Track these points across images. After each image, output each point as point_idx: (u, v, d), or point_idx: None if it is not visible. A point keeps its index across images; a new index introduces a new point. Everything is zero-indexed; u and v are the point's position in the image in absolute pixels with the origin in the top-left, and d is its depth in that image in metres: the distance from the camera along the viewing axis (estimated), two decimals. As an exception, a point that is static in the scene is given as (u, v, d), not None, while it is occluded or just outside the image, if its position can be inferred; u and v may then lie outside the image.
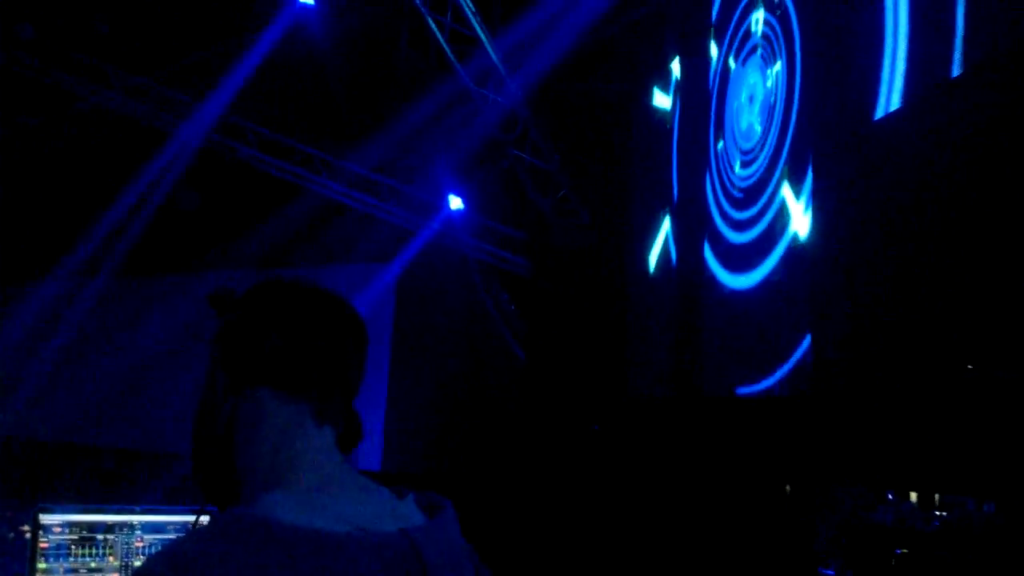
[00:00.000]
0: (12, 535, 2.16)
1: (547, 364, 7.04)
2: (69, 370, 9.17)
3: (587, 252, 6.89)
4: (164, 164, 6.82)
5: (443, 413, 7.28)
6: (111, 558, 2.33)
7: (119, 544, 2.35)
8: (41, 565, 2.23)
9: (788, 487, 5.33)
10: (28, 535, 2.30)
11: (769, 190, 5.01)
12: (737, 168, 5.47)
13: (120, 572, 2.32)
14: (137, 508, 2.40)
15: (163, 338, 8.53)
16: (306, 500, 0.99)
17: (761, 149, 5.14)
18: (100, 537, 2.34)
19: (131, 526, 2.38)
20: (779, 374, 4.80)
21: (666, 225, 6.20)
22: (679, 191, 6.16)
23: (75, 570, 2.28)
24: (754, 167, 5.21)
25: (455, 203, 6.79)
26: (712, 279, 5.62)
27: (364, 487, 1.08)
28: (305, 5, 6.17)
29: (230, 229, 7.16)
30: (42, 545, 2.25)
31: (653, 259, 6.34)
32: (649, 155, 6.62)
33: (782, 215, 4.82)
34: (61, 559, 2.27)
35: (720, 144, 5.71)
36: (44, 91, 6.88)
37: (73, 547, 2.30)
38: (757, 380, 5.03)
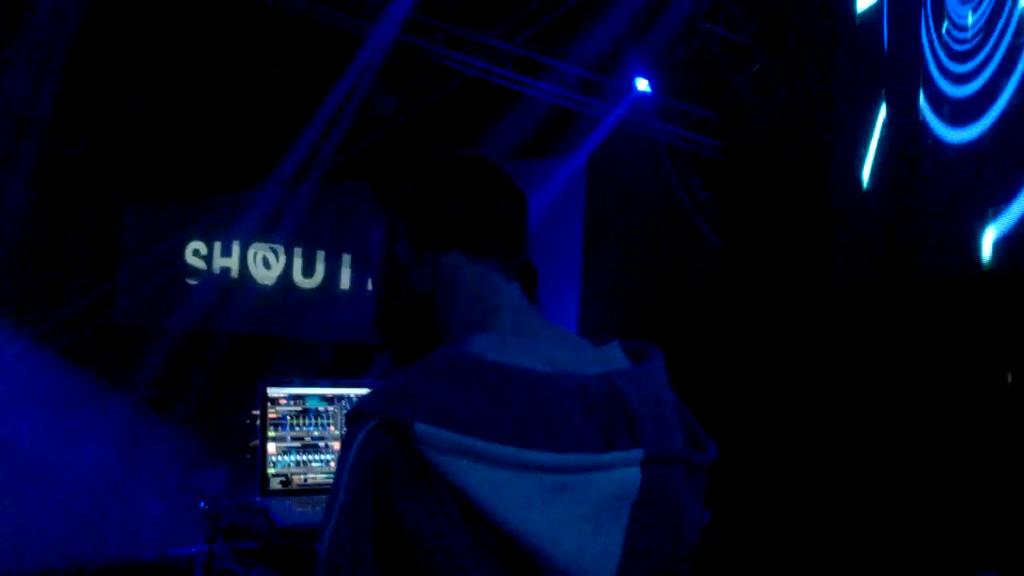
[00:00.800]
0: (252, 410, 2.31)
1: (745, 251, 6.79)
2: (286, 273, 9.85)
3: (786, 131, 6.49)
4: (359, 69, 6.99)
5: (636, 304, 7.22)
6: (331, 427, 2.47)
7: (338, 415, 2.49)
8: (271, 433, 2.40)
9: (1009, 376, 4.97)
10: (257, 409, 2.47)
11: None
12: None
13: (339, 441, 2.46)
14: (352, 382, 2.53)
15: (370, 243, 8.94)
16: (509, 343, 0.99)
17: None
18: (320, 409, 2.49)
19: (348, 398, 2.51)
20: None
21: (878, 97, 5.75)
22: (889, 47, 5.72)
23: (300, 438, 2.44)
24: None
25: (642, 85, 6.55)
26: (932, 138, 5.28)
27: (563, 334, 1.08)
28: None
29: (425, 131, 7.29)
30: (271, 416, 2.42)
31: (862, 135, 5.90)
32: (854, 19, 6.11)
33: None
34: (287, 428, 2.43)
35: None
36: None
37: (297, 418, 2.45)
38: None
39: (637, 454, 0.93)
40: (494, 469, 0.86)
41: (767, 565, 5.04)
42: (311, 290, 9.68)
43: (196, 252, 11.00)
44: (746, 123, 6.61)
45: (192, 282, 10.86)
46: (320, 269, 9.68)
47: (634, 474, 0.92)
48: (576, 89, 6.64)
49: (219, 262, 10.82)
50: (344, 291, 9.39)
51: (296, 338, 8.95)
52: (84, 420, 7.36)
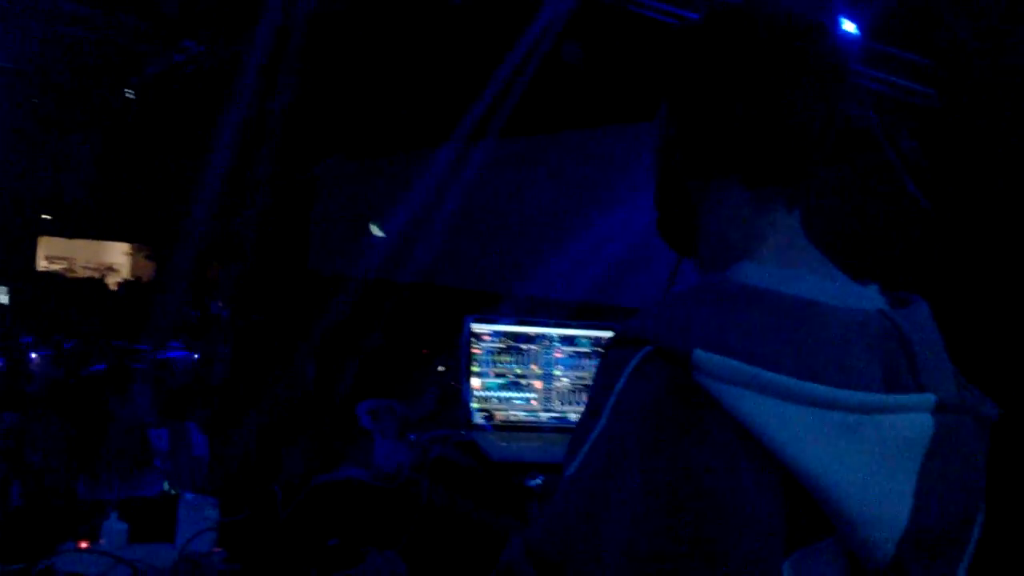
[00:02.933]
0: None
1: (960, 211, 6.29)
2: (469, 228, 10.03)
3: (1017, 78, 5.91)
4: (547, 18, 6.94)
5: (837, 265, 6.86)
6: (534, 366, 2.47)
7: (541, 354, 2.48)
8: (475, 368, 2.42)
9: None
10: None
11: None
12: None
13: (541, 380, 2.46)
14: (553, 322, 2.51)
15: (554, 196, 8.97)
16: (777, 273, 0.91)
17: None
18: (523, 347, 2.49)
19: (551, 338, 2.49)
20: None
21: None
22: None
23: (502, 374, 2.44)
24: None
25: (847, 27, 6.13)
26: None
27: (832, 269, 0.99)
28: None
29: (615, 81, 7.17)
30: (474, 351, 2.44)
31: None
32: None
33: None
34: (490, 364, 2.45)
35: None
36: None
37: (500, 354, 2.46)
38: None
39: (928, 399, 0.86)
40: (780, 402, 0.80)
41: None
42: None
43: (386, 207, 11.44)
44: (966, 69, 6.07)
45: (379, 234, 11.32)
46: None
47: (926, 420, 0.85)
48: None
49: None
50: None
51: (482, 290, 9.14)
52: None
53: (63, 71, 11.42)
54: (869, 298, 0.95)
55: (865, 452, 0.82)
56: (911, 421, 0.84)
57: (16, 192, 12.43)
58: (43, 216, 13.88)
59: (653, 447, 0.81)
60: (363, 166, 11.02)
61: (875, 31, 6.34)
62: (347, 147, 11.23)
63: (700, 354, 0.81)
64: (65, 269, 14.70)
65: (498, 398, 2.42)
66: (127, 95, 11.58)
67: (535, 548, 0.86)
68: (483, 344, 2.45)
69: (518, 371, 2.46)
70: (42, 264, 14.44)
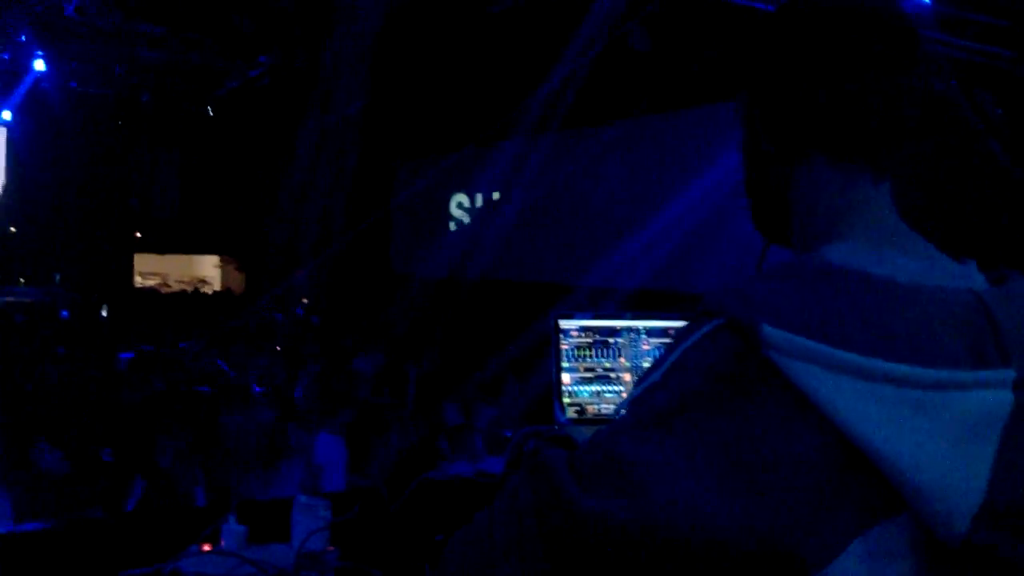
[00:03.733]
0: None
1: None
2: (536, 220, 10.07)
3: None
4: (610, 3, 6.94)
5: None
6: (622, 359, 2.50)
7: (628, 347, 2.51)
8: (564, 364, 2.47)
9: None
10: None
11: None
12: None
13: (630, 372, 2.49)
14: (639, 314, 2.54)
15: (626, 183, 8.95)
16: (869, 252, 0.93)
17: None
18: (611, 340, 2.53)
19: (637, 331, 2.52)
20: None
21: None
22: None
23: (592, 368, 2.49)
24: None
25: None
26: None
27: (923, 246, 0.98)
28: None
29: (682, 66, 7.12)
30: (563, 347, 2.49)
31: None
32: None
33: None
34: (579, 360, 2.49)
35: None
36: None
37: (588, 349, 2.51)
38: None
39: (1008, 374, 0.85)
40: (848, 378, 0.82)
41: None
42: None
43: (460, 204, 11.59)
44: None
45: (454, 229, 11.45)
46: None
47: (1005, 396, 0.84)
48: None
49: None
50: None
51: (572, 284, 9.16)
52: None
53: (145, 93, 11.88)
54: (962, 276, 0.95)
55: (938, 428, 0.83)
56: (990, 397, 0.84)
57: (110, 212, 12.97)
58: (136, 234, 14.45)
59: (705, 405, 0.85)
60: (438, 166, 11.17)
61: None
62: (422, 148, 11.38)
63: (769, 329, 0.83)
64: (160, 284, 15.27)
65: (589, 392, 2.47)
66: (207, 112, 11.97)
67: (576, 461, 0.88)
68: (571, 340, 2.50)
69: (607, 365, 2.50)
70: (137, 280, 15.03)
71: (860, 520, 0.83)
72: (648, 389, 0.89)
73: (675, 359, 0.89)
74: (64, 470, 4.53)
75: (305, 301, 11.76)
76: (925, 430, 0.82)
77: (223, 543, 2.16)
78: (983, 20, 6.18)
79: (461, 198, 11.51)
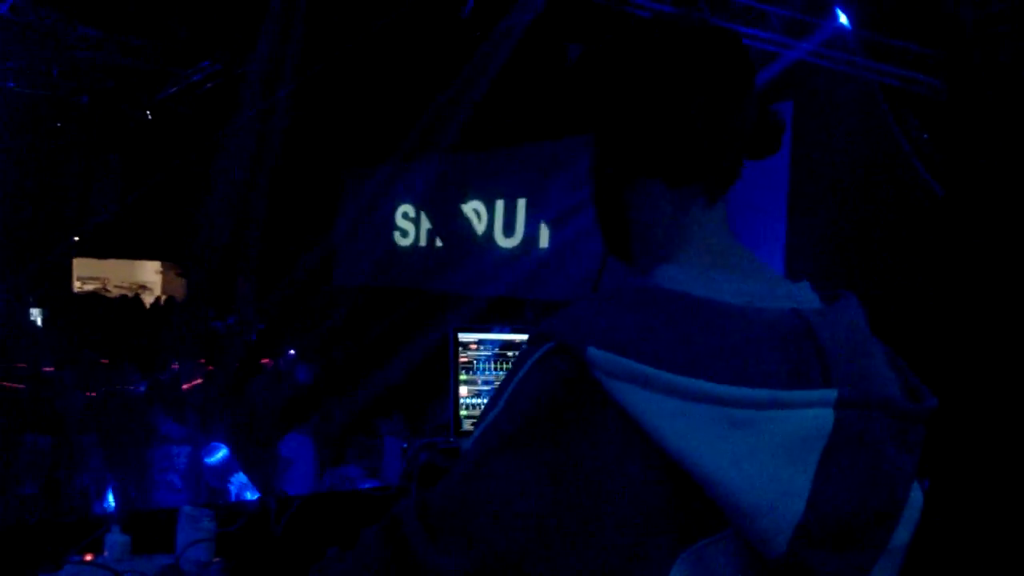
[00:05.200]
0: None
1: (970, 199, 6.24)
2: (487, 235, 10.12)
3: (1020, 64, 5.87)
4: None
5: (846, 256, 6.83)
6: (519, 372, 2.52)
7: (526, 360, 2.53)
8: (463, 376, 2.49)
9: None
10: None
11: None
12: None
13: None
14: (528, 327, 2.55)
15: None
16: (697, 275, 0.95)
17: None
18: (510, 354, 2.55)
19: (535, 344, 2.54)
20: None
21: None
22: None
23: (489, 381, 2.50)
24: None
25: (841, 19, 6.10)
26: None
27: (756, 266, 1.01)
28: None
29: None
30: (462, 360, 2.51)
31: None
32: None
33: None
34: (478, 372, 2.51)
35: None
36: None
37: (487, 362, 2.52)
38: None
39: (829, 394, 0.86)
40: (669, 398, 0.83)
41: (1005, 553, 4.48)
42: (511, 249, 9.89)
43: (405, 215, 11.56)
44: (971, 57, 6.03)
45: (403, 243, 11.43)
46: (520, 228, 9.88)
47: (825, 415, 0.86)
48: (770, 27, 6.31)
49: (425, 224, 11.30)
50: (543, 249, 9.53)
51: (509, 297, 9.20)
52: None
53: (83, 95, 11.68)
54: (789, 296, 0.97)
55: (758, 447, 0.84)
56: (810, 416, 0.86)
57: (47, 215, 12.71)
58: (74, 238, 14.17)
59: (540, 433, 0.86)
60: (381, 176, 11.15)
61: (878, 22, 6.32)
62: (365, 156, 11.35)
63: (593, 351, 0.84)
64: (99, 289, 14.97)
65: (484, 404, 2.49)
66: (147, 116, 11.80)
67: (424, 505, 0.90)
68: (470, 353, 2.52)
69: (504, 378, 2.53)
70: (76, 285, 14.72)
71: (685, 536, 0.85)
72: (489, 424, 0.90)
73: (512, 389, 0.90)
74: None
75: (233, 316, 11.61)
76: (745, 449, 0.83)
77: (106, 553, 2.13)
78: (910, 47, 6.36)
79: (407, 208, 11.50)
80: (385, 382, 7.45)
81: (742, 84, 1.00)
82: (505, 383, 0.91)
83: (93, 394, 6.73)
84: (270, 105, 9.85)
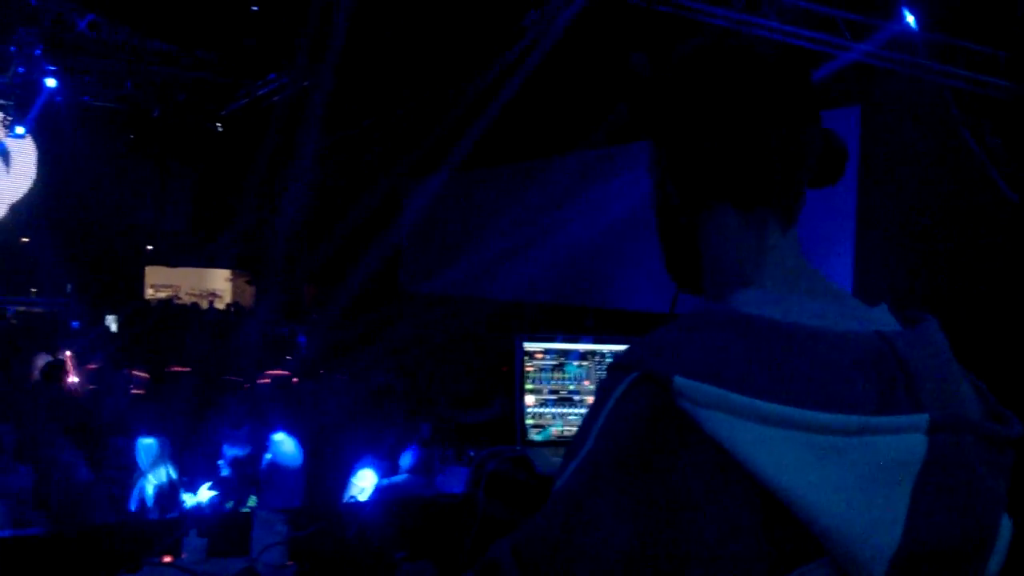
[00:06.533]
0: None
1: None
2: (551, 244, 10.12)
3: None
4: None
5: (919, 265, 6.67)
6: (586, 382, 2.53)
7: (592, 370, 2.54)
8: (528, 385, 2.50)
9: None
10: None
11: None
12: None
13: (593, 395, 2.51)
14: (606, 338, 2.56)
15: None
16: (775, 299, 0.94)
17: None
18: (575, 363, 2.55)
19: (601, 354, 2.55)
20: None
21: None
22: None
23: (555, 391, 2.52)
24: None
25: (909, 19, 5.95)
26: None
27: (832, 290, 0.99)
28: None
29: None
30: (528, 368, 2.52)
31: None
32: None
33: None
34: (543, 381, 2.52)
35: None
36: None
37: (553, 371, 2.53)
38: None
39: (921, 419, 0.85)
40: (759, 426, 0.82)
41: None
42: (569, 257, 9.86)
43: (468, 223, 11.63)
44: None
45: (465, 251, 11.50)
46: (577, 236, 9.84)
47: (918, 441, 0.84)
48: (836, 31, 6.20)
49: (483, 232, 11.34)
50: (601, 258, 9.49)
51: (566, 305, 9.20)
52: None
53: (156, 108, 12.03)
54: (873, 319, 0.95)
55: (852, 473, 0.82)
56: (903, 442, 0.84)
57: (122, 225, 13.11)
58: (148, 247, 14.60)
59: (633, 469, 0.85)
60: (442, 185, 11.25)
61: (946, 24, 6.17)
62: (426, 166, 11.46)
63: (680, 380, 0.83)
64: (171, 296, 15.39)
65: (552, 414, 2.50)
66: (217, 127, 12.11)
67: (520, 549, 0.90)
68: (535, 362, 2.54)
69: (572, 387, 2.53)
70: (149, 292, 15.16)
71: (780, 565, 0.84)
72: (580, 462, 0.89)
73: (601, 425, 0.89)
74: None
75: (298, 322, 11.82)
76: (838, 475, 0.82)
77: (184, 555, 2.20)
78: (980, 49, 6.20)
79: (469, 217, 11.58)
80: (442, 389, 7.51)
81: (811, 109, 1.00)
82: (591, 418, 0.90)
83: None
84: (336, 116, 10.02)
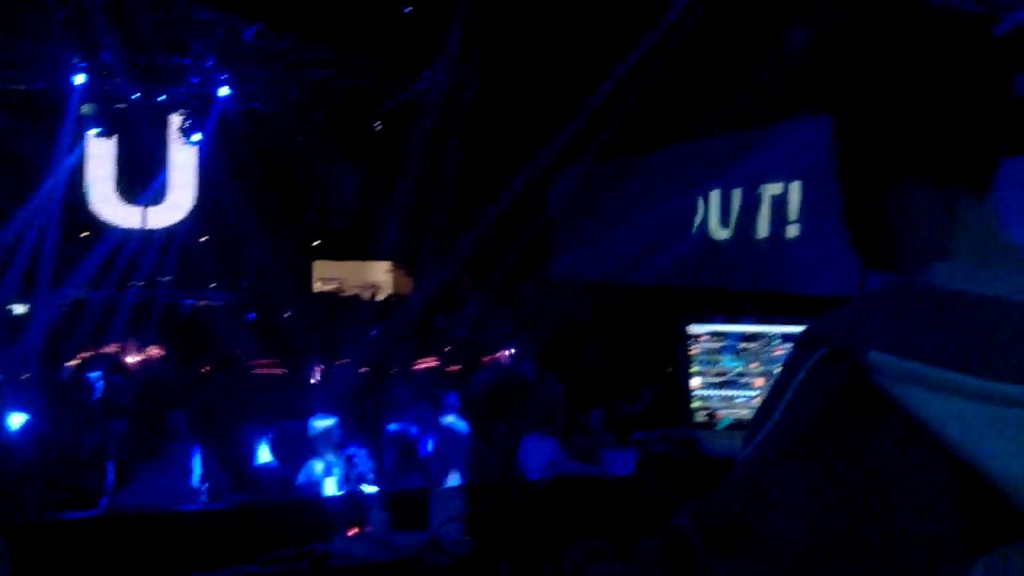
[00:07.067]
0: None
1: None
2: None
3: None
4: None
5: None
6: (754, 364, 2.50)
7: (760, 352, 2.50)
8: (693, 368, 2.50)
9: None
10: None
11: None
12: None
13: (763, 377, 2.48)
14: (772, 318, 2.52)
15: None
16: (972, 272, 0.91)
17: None
18: (741, 345, 2.52)
19: (770, 336, 2.51)
20: None
21: None
22: None
23: (722, 373, 2.50)
24: None
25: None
26: None
27: None
28: None
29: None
30: (693, 351, 2.51)
31: None
32: None
33: None
34: (709, 364, 2.51)
35: None
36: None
37: (718, 353, 2.52)
38: None
39: None
40: (958, 399, 0.80)
41: None
42: (725, 240, 9.68)
43: (620, 208, 11.57)
44: None
45: (618, 237, 11.47)
46: (734, 218, 9.64)
47: None
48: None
49: (639, 217, 11.26)
50: (758, 240, 9.26)
51: (721, 288, 9.04)
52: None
53: (319, 111, 12.62)
54: None
55: None
56: None
57: (290, 223, 13.86)
58: (314, 242, 15.36)
59: (823, 445, 0.85)
60: (602, 171, 11.25)
61: None
62: (577, 152, 11.50)
63: (875, 355, 0.83)
64: (336, 289, 16.10)
65: (719, 396, 2.48)
66: (376, 127, 12.57)
67: (705, 518, 0.91)
68: (700, 344, 2.53)
69: (738, 370, 2.50)
70: (316, 285, 15.93)
71: (980, 544, 0.82)
72: (767, 435, 0.90)
73: (789, 398, 0.89)
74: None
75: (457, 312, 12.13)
76: None
77: (369, 528, 2.35)
78: None
79: (622, 202, 11.54)
80: (601, 375, 7.54)
81: (1007, 74, 0.95)
82: (777, 393, 0.90)
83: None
84: (487, 109, 10.21)
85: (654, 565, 0.94)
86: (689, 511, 0.94)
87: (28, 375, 8.42)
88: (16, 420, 5.85)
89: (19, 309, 12.92)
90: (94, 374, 8.36)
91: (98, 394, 7.21)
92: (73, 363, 9.65)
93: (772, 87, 7.83)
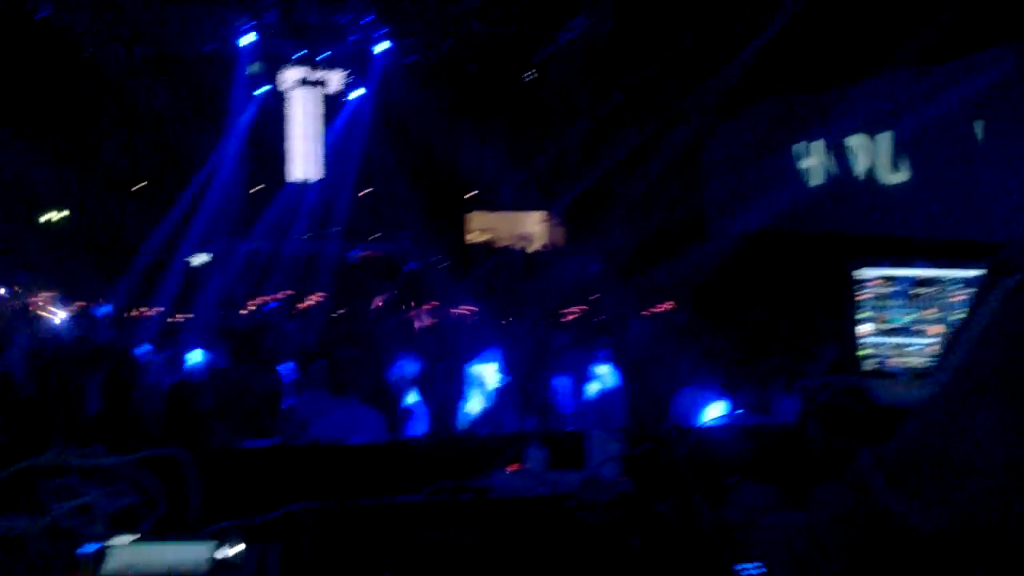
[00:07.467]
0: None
1: None
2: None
3: None
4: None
5: None
6: (928, 311, 2.37)
7: (935, 298, 2.38)
8: (862, 315, 2.40)
9: None
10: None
11: None
12: None
13: (939, 325, 2.35)
14: (947, 262, 2.39)
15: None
16: None
17: None
18: (916, 291, 2.40)
19: (945, 281, 2.38)
20: None
21: None
22: None
23: (892, 320, 2.39)
24: None
25: None
26: None
27: None
28: None
29: None
30: (859, 297, 2.41)
31: None
32: None
33: None
34: (879, 311, 2.40)
35: None
36: None
37: (888, 299, 2.40)
38: None
39: None
40: None
41: None
42: (892, 185, 9.16)
43: (781, 155, 11.13)
44: None
45: (778, 185, 11.08)
46: (891, 164, 9.10)
47: None
48: None
49: (799, 163, 10.82)
50: (914, 185, 8.72)
51: (886, 236, 8.63)
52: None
53: (472, 64, 12.75)
54: None
55: None
56: None
57: (445, 175, 14.15)
58: (468, 194, 15.64)
59: (1021, 379, 0.81)
60: (754, 118, 10.87)
61: None
62: (739, 101, 11.13)
63: None
64: (490, 240, 16.35)
65: (889, 344, 2.38)
66: (527, 78, 12.60)
67: (887, 462, 0.88)
68: (871, 289, 2.41)
69: (910, 316, 2.39)
70: (470, 236, 16.22)
71: None
72: (959, 370, 0.86)
73: (983, 329, 0.85)
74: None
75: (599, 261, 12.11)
76: None
77: (527, 464, 2.40)
78: None
79: (784, 148, 11.10)
80: (769, 325, 7.35)
81: None
82: (966, 327, 0.87)
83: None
84: (638, 56, 10.03)
85: (836, 512, 0.92)
86: (869, 456, 0.91)
87: (210, 320, 9.05)
88: (198, 359, 6.32)
89: (201, 258, 13.88)
90: (268, 319, 8.89)
91: (271, 340, 7.67)
92: (249, 308, 10.31)
93: (959, 21, 7.31)
